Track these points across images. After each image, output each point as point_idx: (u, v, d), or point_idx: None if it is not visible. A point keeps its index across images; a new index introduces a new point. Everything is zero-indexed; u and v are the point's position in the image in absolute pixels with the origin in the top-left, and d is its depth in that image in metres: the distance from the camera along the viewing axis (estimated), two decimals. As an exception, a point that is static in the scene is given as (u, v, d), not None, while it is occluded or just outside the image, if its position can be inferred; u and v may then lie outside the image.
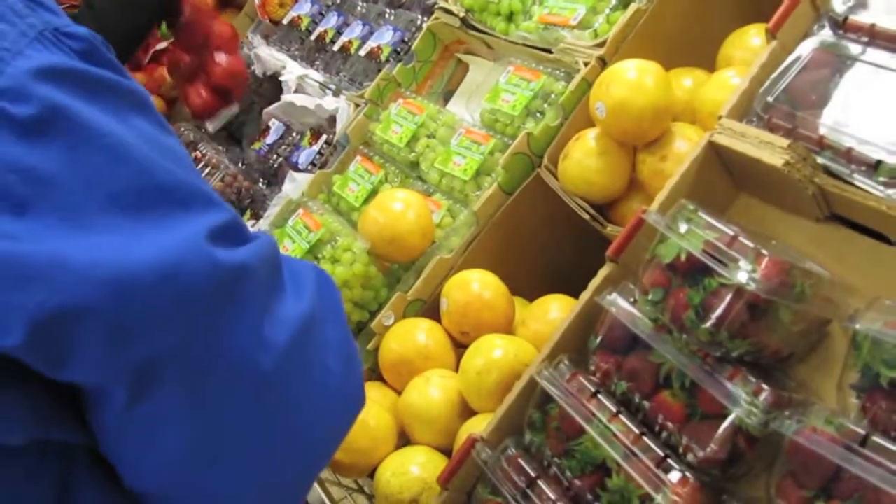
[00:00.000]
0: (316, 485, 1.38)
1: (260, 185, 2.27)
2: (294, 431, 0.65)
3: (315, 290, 0.69)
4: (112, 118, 0.57)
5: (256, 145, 2.33)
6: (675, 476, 0.89)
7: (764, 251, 0.86)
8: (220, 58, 2.29)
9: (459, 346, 1.35)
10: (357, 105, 1.94)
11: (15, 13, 0.54)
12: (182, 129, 2.47)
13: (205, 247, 0.57)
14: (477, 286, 1.34)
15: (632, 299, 0.99)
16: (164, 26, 2.38)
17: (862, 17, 0.95)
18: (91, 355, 0.55)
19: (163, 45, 2.96)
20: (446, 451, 1.25)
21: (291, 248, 1.52)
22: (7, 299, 0.52)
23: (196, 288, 0.56)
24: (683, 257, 0.90)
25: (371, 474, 1.28)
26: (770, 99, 0.98)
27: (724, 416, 0.87)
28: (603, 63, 1.38)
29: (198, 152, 2.34)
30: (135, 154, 0.57)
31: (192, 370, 0.58)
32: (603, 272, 1.08)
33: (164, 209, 0.57)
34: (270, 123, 2.31)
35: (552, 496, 0.98)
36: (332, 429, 0.71)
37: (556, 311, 1.30)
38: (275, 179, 2.23)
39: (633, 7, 1.37)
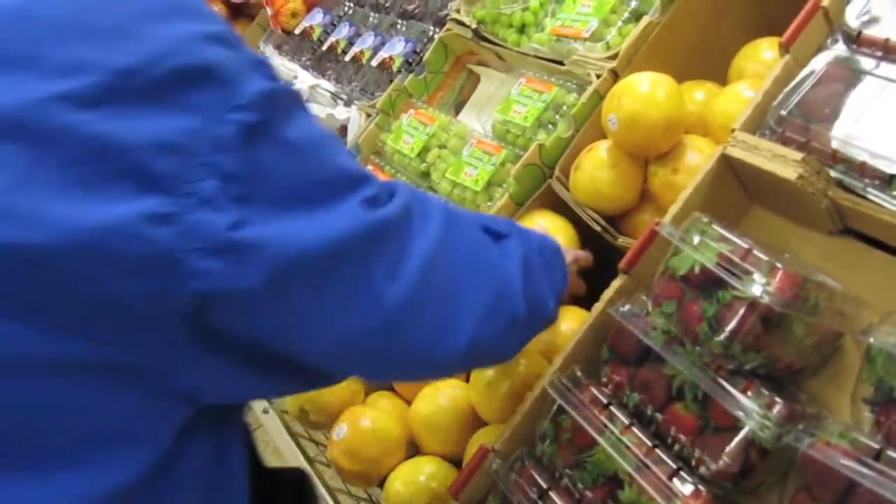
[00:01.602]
0: (325, 493, 1.38)
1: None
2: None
3: (441, 225, 0.82)
4: (297, 124, 0.69)
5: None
6: (687, 489, 0.88)
7: (778, 264, 0.86)
8: None
9: (470, 357, 1.35)
10: (368, 115, 1.95)
11: (234, 45, 0.67)
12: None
13: (361, 213, 0.72)
14: (488, 297, 1.34)
15: (644, 311, 0.99)
16: None
17: (876, 32, 0.95)
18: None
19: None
20: (456, 462, 1.26)
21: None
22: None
23: (354, 241, 0.71)
24: (697, 270, 0.90)
25: (381, 484, 1.28)
26: (783, 112, 0.99)
27: (737, 429, 0.87)
28: (615, 75, 1.38)
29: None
30: (314, 153, 0.70)
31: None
32: (615, 284, 1.08)
33: (336, 193, 0.71)
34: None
35: (563, 508, 0.98)
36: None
37: (567, 322, 1.30)
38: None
39: (645, 20, 1.38)
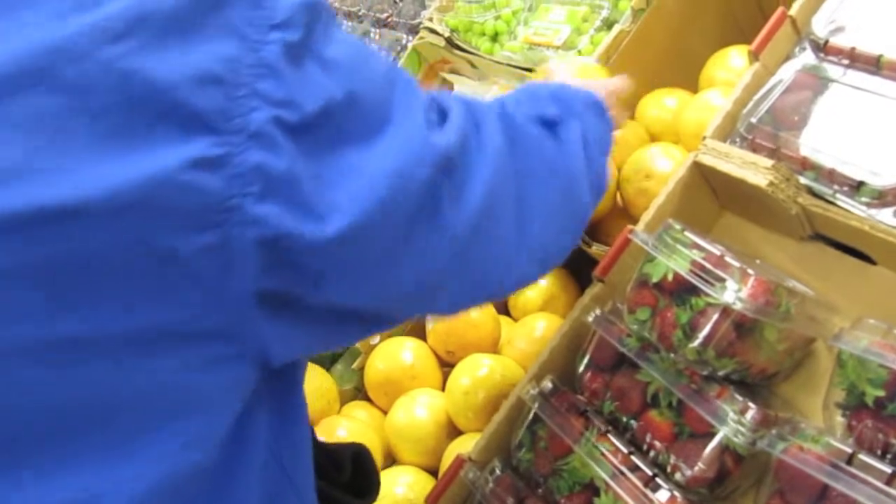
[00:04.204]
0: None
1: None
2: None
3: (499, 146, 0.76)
4: (338, 39, 0.62)
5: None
6: (663, 495, 0.89)
7: (750, 270, 0.87)
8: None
9: (445, 366, 1.35)
10: (342, 124, 1.94)
11: None
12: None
13: (425, 135, 0.66)
14: (463, 305, 1.34)
15: (619, 318, 0.99)
16: None
17: (842, 41, 0.97)
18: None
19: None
20: (433, 472, 1.25)
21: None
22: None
23: (422, 171, 0.65)
24: (670, 277, 0.91)
25: (357, 495, 1.27)
26: (753, 120, 1.00)
27: (712, 435, 0.88)
28: (587, 83, 1.39)
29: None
30: (364, 69, 0.64)
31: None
32: (590, 291, 1.08)
33: (394, 114, 0.64)
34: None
35: (540, 516, 0.98)
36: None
37: (542, 330, 1.30)
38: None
39: (616, 28, 1.39)
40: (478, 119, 0.76)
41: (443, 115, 0.71)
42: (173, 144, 0.53)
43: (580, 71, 1.10)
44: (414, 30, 1.96)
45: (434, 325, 1.35)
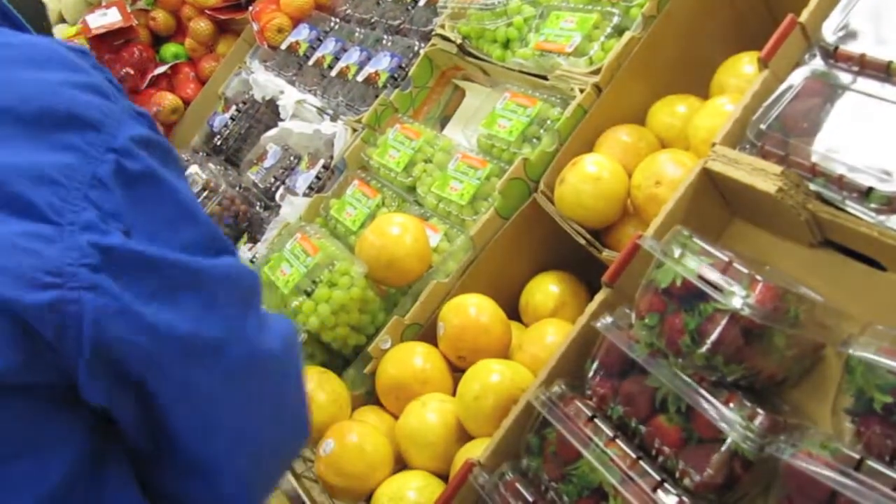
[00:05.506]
0: (313, 510, 1.38)
1: (257, 208, 2.28)
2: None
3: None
4: (176, 179, 0.75)
5: (254, 169, 2.34)
6: (671, 501, 0.89)
7: (758, 277, 0.87)
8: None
9: (456, 371, 1.36)
10: (354, 130, 1.96)
11: (113, 96, 0.74)
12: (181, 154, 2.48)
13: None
14: (474, 310, 1.35)
15: (628, 324, 1.00)
16: None
17: (852, 47, 0.97)
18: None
19: (161, 69, 2.99)
20: (443, 476, 1.25)
21: (289, 272, 1.52)
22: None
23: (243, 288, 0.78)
24: (679, 283, 0.91)
25: (368, 499, 1.27)
26: (763, 126, 1.00)
27: (720, 441, 0.88)
28: (598, 90, 1.40)
29: (196, 175, 2.35)
30: (191, 208, 0.75)
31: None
32: (599, 297, 1.09)
33: (214, 251, 0.75)
34: (268, 147, 2.33)
35: (549, 521, 0.99)
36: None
37: (552, 335, 1.30)
38: (272, 203, 2.24)
39: (627, 35, 1.39)
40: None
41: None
42: (7, 223, 0.64)
43: None
44: (426, 37, 1.97)
45: (445, 331, 1.36)
